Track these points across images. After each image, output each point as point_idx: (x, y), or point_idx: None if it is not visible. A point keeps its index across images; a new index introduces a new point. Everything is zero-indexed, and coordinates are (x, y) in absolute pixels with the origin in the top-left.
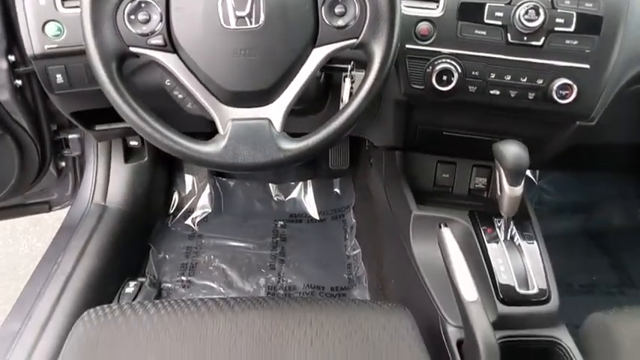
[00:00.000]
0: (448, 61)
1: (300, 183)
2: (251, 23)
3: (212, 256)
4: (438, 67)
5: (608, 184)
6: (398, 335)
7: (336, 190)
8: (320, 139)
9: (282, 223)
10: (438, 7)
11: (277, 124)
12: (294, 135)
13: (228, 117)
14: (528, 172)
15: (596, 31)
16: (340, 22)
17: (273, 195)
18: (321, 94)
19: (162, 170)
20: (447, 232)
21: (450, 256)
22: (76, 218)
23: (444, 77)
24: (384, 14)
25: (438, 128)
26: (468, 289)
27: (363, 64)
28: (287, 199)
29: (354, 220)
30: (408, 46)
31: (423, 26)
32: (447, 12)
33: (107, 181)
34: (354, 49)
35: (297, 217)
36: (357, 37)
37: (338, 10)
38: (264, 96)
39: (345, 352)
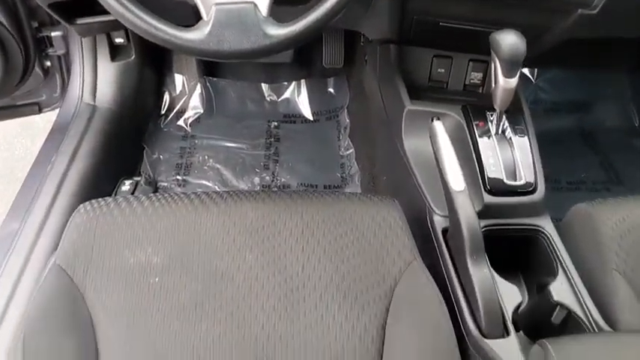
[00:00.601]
0: None
1: (294, 83)
2: None
3: (206, 157)
4: None
5: (605, 83)
6: (386, 224)
7: (330, 89)
8: (308, 23)
9: (275, 123)
10: None
11: (263, 8)
12: None
13: (211, 1)
14: (525, 70)
15: None
16: None
17: (266, 95)
18: None
19: (151, 70)
20: (438, 125)
21: (441, 148)
22: (67, 118)
23: None
24: None
25: (435, 19)
26: (456, 179)
27: None
28: (280, 99)
29: (347, 120)
30: None
31: None
32: None
33: (95, 79)
34: None
35: (290, 117)
36: None
37: None
38: None
39: (334, 241)
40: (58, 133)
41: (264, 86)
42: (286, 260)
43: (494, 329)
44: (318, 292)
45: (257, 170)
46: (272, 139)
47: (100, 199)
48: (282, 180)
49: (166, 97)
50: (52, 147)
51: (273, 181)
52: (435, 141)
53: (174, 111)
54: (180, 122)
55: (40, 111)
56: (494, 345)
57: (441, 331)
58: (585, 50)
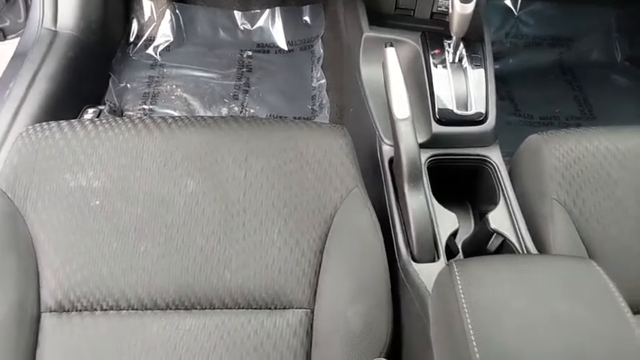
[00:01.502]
0: None
1: (268, 10)
2: None
3: (174, 86)
4: None
5: (590, 18)
6: (331, 152)
7: (306, 18)
8: None
9: (249, 53)
10: None
11: None
12: None
13: None
14: (508, 2)
15: None
16: None
17: (239, 23)
18: None
19: None
20: (390, 52)
21: (389, 75)
22: (28, 45)
23: None
24: None
25: None
26: (401, 107)
27: None
28: (254, 28)
29: (321, 51)
30: None
31: None
32: None
33: (56, 4)
34: None
35: (264, 47)
36: None
37: None
38: None
39: (278, 167)
40: (18, 59)
41: (237, 14)
42: (228, 186)
43: (425, 254)
44: (258, 217)
45: (226, 100)
46: (244, 69)
47: (44, 124)
48: (251, 111)
49: (134, 24)
50: (10, 74)
51: (241, 111)
52: (385, 68)
53: (143, 39)
54: (150, 50)
55: (4, 38)
56: (421, 268)
57: (372, 255)
58: None
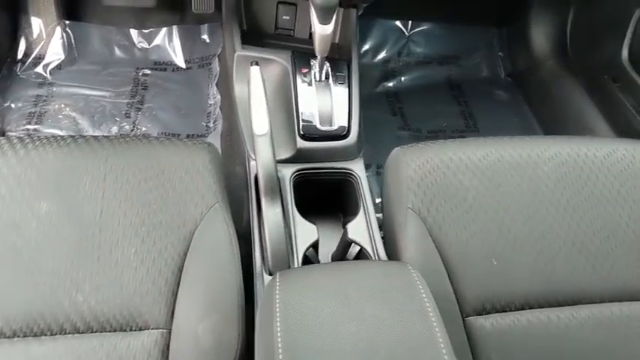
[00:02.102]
0: None
1: (165, 29)
2: None
3: (63, 105)
4: None
5: (475, 37)
6: (194, 168)
7: (204, 37)
8: None
9: (145, 71)
10: None
11: None
12: None
13: None
14: (398, 23)
15: None
16: None
17: (136, 42)
18: None
19: (4, 12)
20: (254, 70)
21: (251, 92)
22: None
23: None
24: None
25: None
26: (260, 123)
27: None
28: (151, 45)
29: (218, 69)
30: None
31: None
32: None
33: None
34: None
35: (161, 65)
36: None
37: None
38: None
39: (138, 185)
40: None
41: (133, 32)
42: (85, 206)
43: (279, 266)
44: (115, 237)
45: (117, 119)
46: (139, 87)
47: None
48: (143, 129)
49: (22, 41)
50: None
51: (132, 130)
52: (249, 85)
53: (32, 57)
54: (39, 69)
55: None
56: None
57: (226, 271)
58: (457, 5)
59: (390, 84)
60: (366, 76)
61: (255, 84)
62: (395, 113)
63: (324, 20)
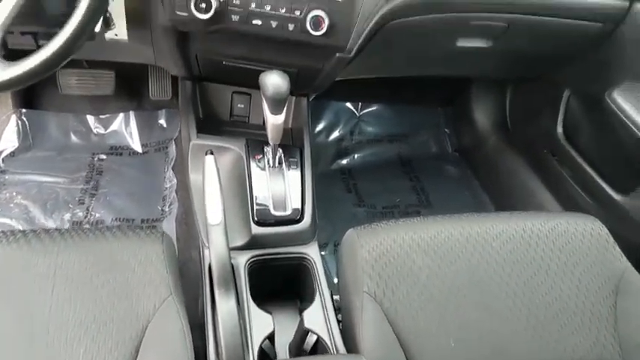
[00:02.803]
0: None
1: (122, 115)
2: None
3: (15, 193)
4: None
5: (422, 116)
6: (147, 259)
7: (162, 122)
8: (35, 64)
9: (101, 156)
10: None
11: None
12: None
13: None
14: (349, 105)
15: None
16: None
17: (93, 127)
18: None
19: None
20: (208, 159)
21: (206, 182)
22: None
23: (203, 5)
24: None
25: (217, 57)
26: (214, 213)
27: None
28: (107, 131)
29: (174, 152)
30: None
31: None
32: None
33: None
34: None
35: (118, 149)
36: None
37: None
38: None
39: (89, 280)
40: None
41: (90, 118)
42: (33, 304)
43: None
44: (63, 336)
45: (70, 206)
46: (94, 173)
47: None
48: (97, 215)
49: None
50: None
51: (86, 216)
52: (203, 175)
53: None
54: None
55: None
56: None
57: None
58: (401, 89)
59: (344, 161)
60: (321, 155)
61: (209, 173)
62: (350, 190)
63: (276, 111)
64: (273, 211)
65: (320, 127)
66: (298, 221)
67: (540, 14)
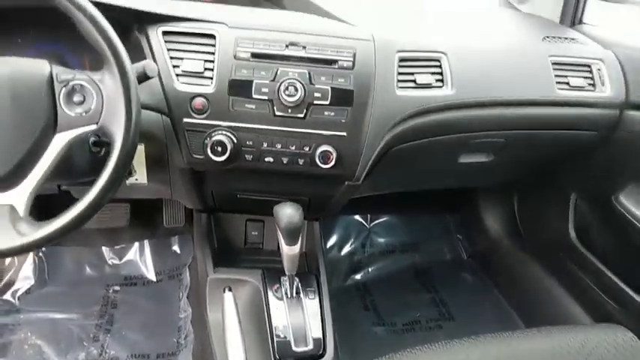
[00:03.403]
0: (223, 132)
1: (137, 244)
2: None
3: (29, 333)
4: (213, 139)
5: (432, 224)
6: None
7: (175, 248)
8: (66, 221)
9: (115, 288)
10: (211, 83)
11: (21, 208)
12: None
13: None
14: (358, 217)
15: (349, 103)
16: (79, 110)
17: (107, 259)
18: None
19: None
20: (228, 298)
21: (225, 322)
22: None
23: (219, 148)
24: (120, 100)
25: (231, 192)
26: (236, 354)
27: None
28: (122, 261)
29: (189, 280)
30: (185, 120)
31: (198, 101)
32: (218, 88)
33: None
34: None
35: (132, 279)
36: (97, 123)
37: (77, 98)
38: (4, 182)
39: None
40: None
41: (105, 250)
42: None
43: None
44: None
45: (85, 343)
46: (108, 306)
47: None
48: (112, 353)
49: None
50: None
51: (101, 354)
52: (223, 314)
53: (2, 284)
54: (7, 296)
55: None
56: None
57: None
58: (409, 199)
59: (358, 276)
60: (335, 271)
61: (229, 314)
62: (367, 307)
63: (291, 241)
64: (294, 347)
65: (331, 242)
66: (321, 356)
67: (535, 128)
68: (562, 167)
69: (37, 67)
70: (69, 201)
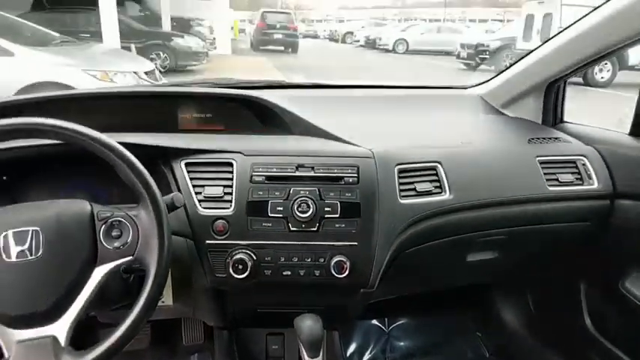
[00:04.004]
0: (244, 251)
1: None
2: (31, 255)
3: None
4: (234, 258)
5: (450, 322)
6: None
7: None
8: (104, 350)
9: None
10: (230, 206)
11: (62, 339)
12: None
13: (13, 340)
14: (376, 321)
15: (357, 215)
16: (117, 244)
17: None
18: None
19: None
20: None
21: None
22: None
23: (240, 266)
24: (154, 233)
25: (252, 306)
26: None
27: None
28: None
29: None
30: (208, 241)
31: (219, 224)
32: (237, 210)
33: None
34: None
35: None
36: (133, 255)
37: (115, 233)
38: (47, 315)
39: None
40: None
41: None
42: None
43: None
44: None
45: None
46: None
47: None
48: None
49: None
50: None
51: None
52: None
53: None
54: None
55: None
56: None
57: None
58: (426, 299)
59: None
60: None
61: None
62: None
63: (313, 353)
64: None
65: (351, 349)
66: None
67: (532, 223)
68: (568, 259)
69: (80, 207)
70: (94, 325)
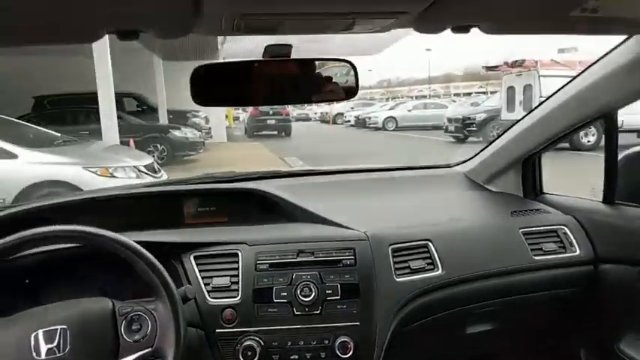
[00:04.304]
0: (252, 337)
1: None
2: (59, 352)
3: None
4: (244, 345)
5: None
6: None
7: None
8: None
9: None
10: (237, 295)
11: None
12: None
13: None
14: None
15: (356, 295)
16: (137, 337)
17: None
18: None
19: None
20: None
21: None
22: None
23: (249, 352)
24: (171, 325)
25: None
26: None
27: None
28: None
29: None
30: (217, 330)
31: (228, 312)
32: (244, 297)
33: None
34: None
35: None
36: (152, 346)
37: (135, 327)
38: None
39: None
40: None
41: None
42: None
43: None
44: None
45: None
46: None
47: None
48: None
49: None
50: None
51: None
52: None
53: None
54: None
55: None
56: None
57: None
58: None
59: None
60: None
61: None
62: None
63: None
64: None
65: None
66: None
67: (522, 292)
68: (565, 327)
69: (102, 305)
70: None
